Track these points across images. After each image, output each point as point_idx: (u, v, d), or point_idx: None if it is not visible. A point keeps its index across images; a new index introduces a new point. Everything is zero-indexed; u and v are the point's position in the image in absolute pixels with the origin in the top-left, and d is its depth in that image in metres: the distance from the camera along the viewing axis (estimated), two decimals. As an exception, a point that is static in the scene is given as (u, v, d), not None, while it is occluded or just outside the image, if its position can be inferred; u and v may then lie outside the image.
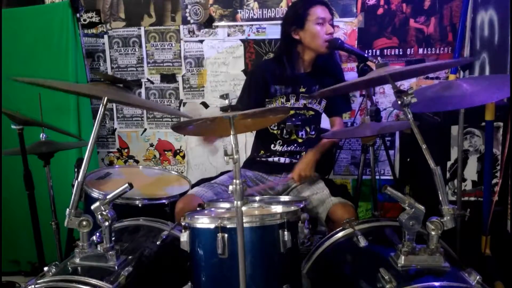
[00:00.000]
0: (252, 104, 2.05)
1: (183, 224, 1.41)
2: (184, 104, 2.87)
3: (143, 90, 2.89)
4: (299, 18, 2.05)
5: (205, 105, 2.85)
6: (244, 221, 1.20)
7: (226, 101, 1.28)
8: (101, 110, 1.41)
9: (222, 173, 2.18)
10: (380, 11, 2.59)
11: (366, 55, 1.96)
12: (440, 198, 1.24)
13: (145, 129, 2.95)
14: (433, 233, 1.24)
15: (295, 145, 2.14)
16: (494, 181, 2.06)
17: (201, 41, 2.77)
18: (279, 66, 2.11)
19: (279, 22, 2.47)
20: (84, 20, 2.83)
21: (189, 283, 1.39)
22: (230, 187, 1.18)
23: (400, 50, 2.60)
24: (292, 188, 2.10)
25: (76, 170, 2.05)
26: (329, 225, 1.90)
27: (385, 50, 2.61)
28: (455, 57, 2.18)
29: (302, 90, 2.13)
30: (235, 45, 2.74)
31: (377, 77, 1.34)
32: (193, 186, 2.14)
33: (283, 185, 2.11)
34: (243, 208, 1.19)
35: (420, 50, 2.58)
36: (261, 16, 2.68)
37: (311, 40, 2.04)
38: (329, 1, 2.22)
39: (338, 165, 2.76)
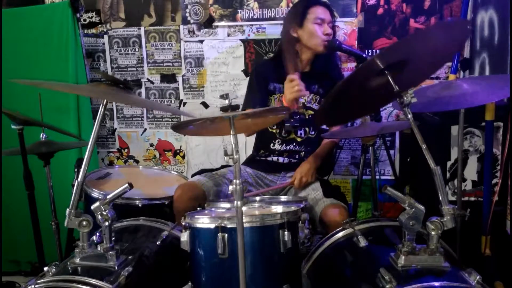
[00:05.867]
0: (257, 103, 2.07)
1: (183, 224, 1.41)
2: (184, 104, 2.87)
3: (143, 90, 2.89)
4: (299, 16, 2.06)
5: (205, 105, 2.85)
6: (244, 221, 1.20)
7: (226, 101, 1.28)
8: (101, 110, 1.41)
9: (223, 166, 2.19)
10: (380, 11, 2.59)
11: (364, 55, 1.96)
12: (440, 198, 1.24)
13: (145, 129, 2.95)
14: (433, 233, 1.24)
15: (294, 144, 2.14)
16: (494, 181, 2.06)
17: (201, 41, 2.77)
18: (278, 64, 2.13)
19: (279, 22, 2.49)
20: (84, 20, 2.83)
21: (189, 283, 1.39)
22: (230, 187, 1.18)
23: (400, 50, 2.60)
24: (289, 188, 2.10)
25: (76, 170, 2.05)
26: (322, 226, 1.88)
27: (385, 50, 2.61)
28: (456, 56, 2.18)
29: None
30: (235, 45, 2.74)
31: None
32: (193, 175, 2.14)
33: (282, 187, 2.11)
34: (243, 208, 1.19)
35: (420, 50, 2.58)
36: (261, 16, 2.68)
37: (309, 38, 2.05)
38: (329, 1, 2.22)
39: (338, 165, 2.76)
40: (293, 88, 1.87)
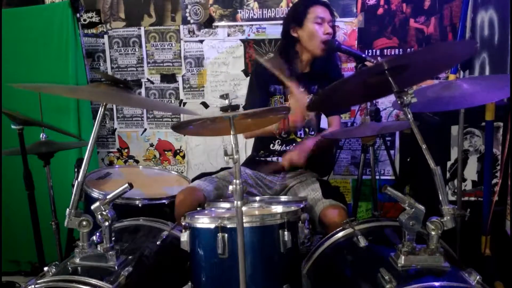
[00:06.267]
0: (258, 104, 2.07)
1: (183, 224, 1.41)
2: (184, 104, 2.87)
3: (143, 90, 2.90)
4: (299, 16, 2.06)
5: (205, 105, 2.85)
6: (244, 221, 1.20)
7: (226, 101, 1.28)
8: (101, 110, 1.41)
9: (222, 169, 2.18)
10: (380, 11, 2.59)
11: (364, 55, 1.95)
12: (440, 198, 1.24)
13: (145, 129, 2.95)
14: (433, 233, 1.24)
15: (294, 144, 2.14)
16: (494, 181, 2.06)
17: (201, 41, 2.77)
18: None
19: (279, 22, 2.49)
20: (84, 20, 2.83)
21: (189, 283, 1.39)
22: (230, 187, 1.18)
23: (400, 50, 2.60)
24: (289, 188, 2.10)
25: (76, 170, 2.05)
26: (321, 227, 1.88)
27: (385, 50, 2.62)
28: (457, 64, 2.19)
29: (301, 90, 2.13)
30: (235, 45, 2.74)
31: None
32: (193, 180, 2.15)
33: (281, 185, 2.11)
34: (243, 208, 1.19)
35: (420, 50, 2.58)
36: (261, 16, 2.68)
37: (309, 39, 2.05)
38: (329, 1, 2.22)
39: (338, 165, 2.76)
40: (297, 104, 1.90)
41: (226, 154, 1.18)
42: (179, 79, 2.85)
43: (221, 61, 2.78)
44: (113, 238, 1.40)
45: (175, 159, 2.96)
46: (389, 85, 1.28)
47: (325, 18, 2.04)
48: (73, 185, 1.48)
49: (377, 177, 2.25)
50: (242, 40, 2.72)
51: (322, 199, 1.91)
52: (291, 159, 1.98)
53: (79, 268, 1.35)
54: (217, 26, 2.74)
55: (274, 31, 2.65)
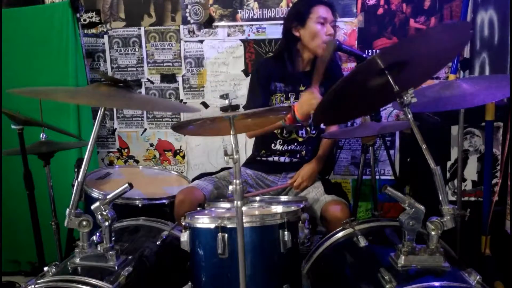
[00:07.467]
0: (259, 103, 2.06)
1: (183, 224, 1.41)
2: (184, 104, 2.86)
3: (143, 90, 2.89)
4: (301, 15, 2.05)
5: (205, 105, 2.85)
6: (244, 221, 1.20)
7: (226, 101, 1.28)
8: (101, 110, 1.41)
9: (222, 169, 2.18)
10: (380, 11, 2.59)
11: (364, 55, 1.95)
12: (440, 198, 1.24)
13: (145, 129, 2.95)
14: (433, 233, 1.24)
15: (296, 144, 2.14)
16: (494, 181, 2.06)
17: (201, 41, 2.77)
18: (279, 63, 2.12)
19: (279, 22, 2.49)
20: (84, 20, 2.83)
21: (189, 283, 1.39)
22: (230, 187, 1.18)
23: (400, 50, 2.60)
24: (290, 187, 2.10)
25: (76, 170, 2.05)
26: (323, 223, 1.89)
27: (385, 50, 2.62)
28: (456, 56, 2.18)
29: (302, 88, 2.13)
30: (235, 45, 2.74)
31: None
32: (193, 180, 2.15)
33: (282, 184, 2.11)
34: (243, 208, 1.19)
35: (420, 50, 2.58)
36: (261, 16, 2.68)
37: (311, 38, 2.04)
38: (330, 1, 2.22)
39: (338, 165, 2.76)
40: (311, 101, 1.85)
41: (226, 154, 1.18)
42: (179, 79, 2.85)
43: (221, 61, 2.78)
44: (113, 238, 1.40)
45: (175, 159, 2.96)
46: (390, 87, 1.28)
47: (327, 19, 2.03)
48: (73, 185, 1.48)
49: (377, 177, 2.25)
50: (242, 40, 2.72)
51: (324, 194, 1.91)
52: (302, 183, 1.99)
53: (79, 268, 1.35)
54: (217, 26, 2.74)
55: (274, 31, 2.65)
